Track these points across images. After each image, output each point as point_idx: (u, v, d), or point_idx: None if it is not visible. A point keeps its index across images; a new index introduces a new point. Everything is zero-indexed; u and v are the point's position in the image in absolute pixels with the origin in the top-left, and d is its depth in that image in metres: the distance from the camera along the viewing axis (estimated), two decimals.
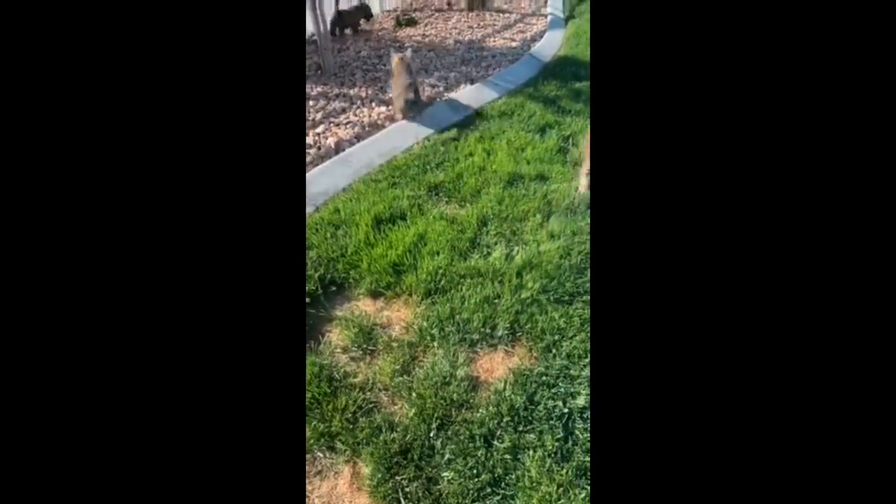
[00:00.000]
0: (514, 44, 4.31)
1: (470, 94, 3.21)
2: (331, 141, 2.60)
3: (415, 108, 2.79)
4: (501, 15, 5.19)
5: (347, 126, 2.77)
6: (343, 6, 4.30)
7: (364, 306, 1.68)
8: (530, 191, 2.23)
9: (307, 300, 1.66)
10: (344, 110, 2.95)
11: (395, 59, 2.69)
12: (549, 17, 5.06)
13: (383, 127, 2.78)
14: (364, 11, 4.50)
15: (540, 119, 2.88)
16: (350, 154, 2.49)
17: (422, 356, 1.49)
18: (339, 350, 1.52)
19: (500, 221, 2.03)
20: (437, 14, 5.11)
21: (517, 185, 2.29)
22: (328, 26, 4.30)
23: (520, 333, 1.54)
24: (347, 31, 4.42)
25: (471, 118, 2.96)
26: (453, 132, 2.76)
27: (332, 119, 2.84)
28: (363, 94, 3.15)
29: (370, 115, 2.89)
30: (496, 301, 1.63)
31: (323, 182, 2.28)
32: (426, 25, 4.71)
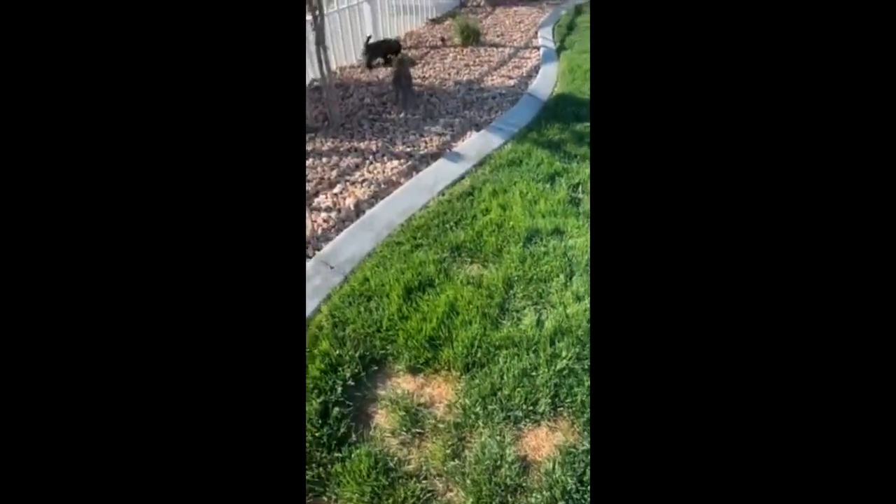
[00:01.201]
0: (511, 81, 4.42)
1: (477, 143, 3.31)
2: (349, 202, 2.67)
3: (407, 91, 3.80)
4: (496, 49, 5.32)
5: (364, 184, 2.84)
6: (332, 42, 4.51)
7: (405, 384, 1.74)
8: (549, 247, 2.31)
9: (352, 382, 1.72)
10: (357, 166, 3.03)
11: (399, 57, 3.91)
12: (542, 50, 5.20)
13: (398, 183, 2.86)
14: (394, 44, 4.79)
15: (548, 167, 2.97)
16: (371, 216, 2.56)
17: (469, 436, 1.55)
18: (388, 434, 1.58)
19: (526, 283, 2.10)
20: (432, 51, 5.22)
21: (535, 241, 2.37)
22: (361, 59, 4.68)
23: (561, 407, 1.60)
24: (380, 60, 4.68)
25: (482, 168, 3.04)
26: (467, 185, 2.84)
27: (347, 177, 2.91)
28: (374, 148, 3.23)
29: (384, 172, 2.97)
30: (534, 374, 1.70)
31: (349, 249, 2.34)
32: (424, 65, 4.82)
